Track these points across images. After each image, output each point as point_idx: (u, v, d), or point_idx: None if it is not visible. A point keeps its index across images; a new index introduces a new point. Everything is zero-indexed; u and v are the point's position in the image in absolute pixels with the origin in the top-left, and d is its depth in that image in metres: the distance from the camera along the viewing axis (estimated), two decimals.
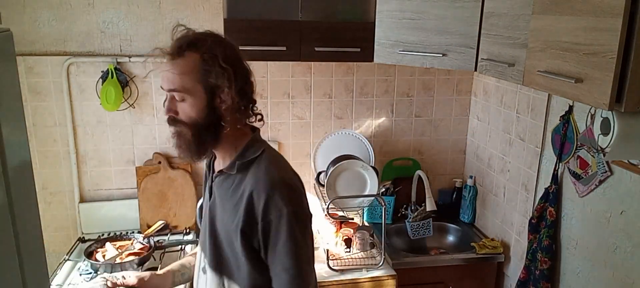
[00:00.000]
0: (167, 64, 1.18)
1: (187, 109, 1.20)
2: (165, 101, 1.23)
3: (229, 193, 1.27)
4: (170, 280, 1.51)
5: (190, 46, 1.17)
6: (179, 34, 1.21)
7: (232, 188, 1.26)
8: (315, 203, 2.38)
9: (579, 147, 1.71)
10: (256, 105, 1.29)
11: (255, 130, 1.33)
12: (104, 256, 1.99)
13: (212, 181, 1.33)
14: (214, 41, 1.19)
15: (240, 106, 1.22)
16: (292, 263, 1.19)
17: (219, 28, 2.15)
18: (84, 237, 2.19)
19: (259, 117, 1.31)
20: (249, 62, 1.27)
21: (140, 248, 2.06)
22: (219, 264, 1.30)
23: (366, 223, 2.40)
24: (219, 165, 1.32)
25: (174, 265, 1.55)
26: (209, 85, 1.18)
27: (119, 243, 2.09)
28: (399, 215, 2.50)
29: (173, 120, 1.22)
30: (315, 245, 1.34)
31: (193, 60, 1.17)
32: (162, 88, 1.22)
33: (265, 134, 2.38)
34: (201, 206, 1.47)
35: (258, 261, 1.24)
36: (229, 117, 1.22)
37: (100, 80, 2.15)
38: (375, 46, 2.00)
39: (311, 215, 1.29)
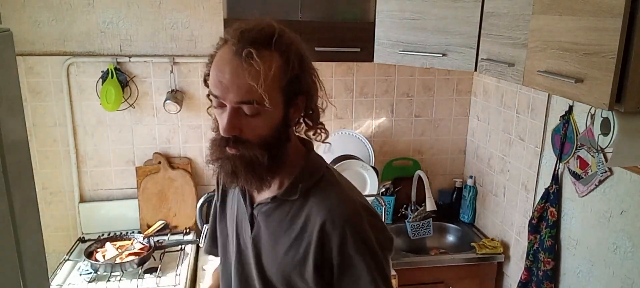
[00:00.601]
0: (236, 67, 0.88)
1: (259, 125, 0.92)
2: (221, 114, 0.93)
3: (284, 224, 1.01)
4: None
5: (266, 43, 0.90)
6: (241, 28, 0.92)
7: (290, 218, 1.00)
8: None
9: (579, 147, 1.70)
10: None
11: (307, 143, 1.07)
12: (104, 256, 1.99)
13: (252, 208, 1.06)
14: (292, 35, 0.95)
15: (316, 115, 1.00)
16: None
17: (219, 28, 2.16)
18: (84, 237, 2.20)
19: (323, 133, 1.04)
20: None
21: (140, 248, 2.06)
22: None
23: None
24: (267, 190, 1.03)
25: None
26: (290, 94, 0.93)
27: (119, 243, 2.10)
28: (399, 215, 2.50)
29: (237, 141, 0.92)
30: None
31: (273, 61, 0.89)
32: (216, 97, 0.92)
33: None
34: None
35: None
36: (292, 129, 1.00)
37: (100, 80, 2.15)
38: (375, 46, 2.00)
39: (392, 240, 1.03)
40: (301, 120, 1.01)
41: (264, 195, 1.04)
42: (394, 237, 1.04)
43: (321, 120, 1.04)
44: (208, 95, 0.97)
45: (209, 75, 0.96)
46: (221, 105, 0.93)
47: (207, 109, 1.03)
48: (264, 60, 0.88)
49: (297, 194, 1.00)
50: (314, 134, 1.04)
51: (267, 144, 0.94)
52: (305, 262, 0.97)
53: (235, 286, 1.11)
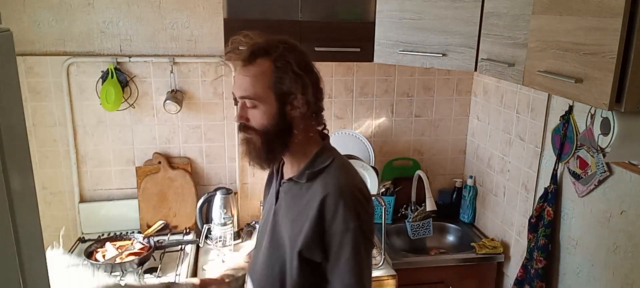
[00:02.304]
0: (239, 70, 1.19)
1: (258, 116, 1.18)
2: (236, 107, 1.23)
3: (295, 201, 1.25)
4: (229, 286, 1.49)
5: (262, 53, 1.16)
6: (249, 40, 1.19)
7: (299, 196, 1.24)
8: None
9: (579, 147, 1.71)
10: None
11: (326, 137, 1.30)
12: (104, 256, 1.99)
13: (279, 186, 1.32)
14: (286, 47, 1.18)
15: (311, 113, 1.21)
16: (353, 281, 1.15)
17: (218, 28, 2.16)
18: (84, 237, 2.19)
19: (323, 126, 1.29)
20: None
21: (140, 248, 2.06)
22: (277, 269, 1.26)
23: None
24: (288, 171, 1.30)
25: (228, 271, 1.51)
26: (280, 92, 1.17)
27: (119, 243, 2.10)
28: (399, 215, 2.50)
29: (244, 127, 1.21)
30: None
31: (265, 66, 1.16)
32: (233, 94, 1.23)
33: None
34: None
35: (312, 273, 1.21)
36: (300, 124, 1.21)
37: (100, 80, 2.15)
38: (375, 46, 2.00)
39: (373, 231, 1.25)
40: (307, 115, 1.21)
41: (287, 176, 1.29)
42: (374, 227, 1.25)
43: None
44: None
45: None
46: (236, 101, 1.22)
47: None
48: (256, 65, 1.16)
49: (304, 179, 1.23)
50: (319, 126, 1.27)
51: (268, 131, 1.19)
52: (303, 235, 1.18)
53: (256, 248, 1.40)
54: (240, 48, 1.20)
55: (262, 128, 1.19)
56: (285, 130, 1.20)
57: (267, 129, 1.18)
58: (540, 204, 1.86)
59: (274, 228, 1.29)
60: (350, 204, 1.15)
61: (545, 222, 1.82)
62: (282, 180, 1.31)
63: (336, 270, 1.16)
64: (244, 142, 1.23)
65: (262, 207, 1.49)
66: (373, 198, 2.16)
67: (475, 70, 1.76)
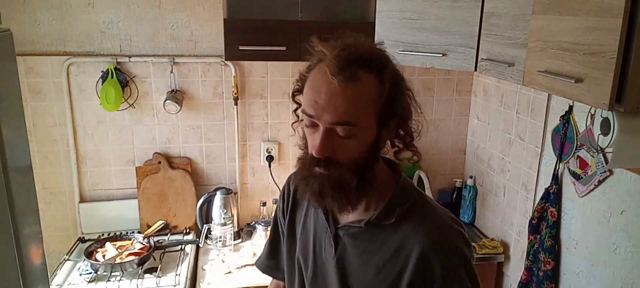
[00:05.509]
0: (330, 88, 0.87)
1: (351, 147, 0.91)
2: (316, 133, 0.91)
3: (375, 246, 0.99)
4: None
5: (362, 64, 0.89)
6: (337, 47, 0.90)
7: (382, 240, 0.98)
8: None
9: (579, 147, 1.71)
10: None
11: (395, 165, 1.06)
12: (104, 256, 1.99)
13: (336, 229, 1.04)
14: (383, 56, 0.96)
15: (409, 138, 1.01)
16: None
17: (219, 28, 2.15)
18: (84, 237, 2.20)
19: (416, 156, 1.04)
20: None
21: (140, 248, 2.07)
22: None
23: None
24: (353, 213, 1.01)
25: None
26: (384, 116, 0.92)
27: (119, 243, 2.10)
28: None
29: (327, 162, 0.91)
30: None
31: (369, 83, 0.89)
32: (311, 117, 0.90)
33: (265, 134, 2.38)
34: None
35: None
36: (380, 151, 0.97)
37: (100, 80, 2.15)
38: None
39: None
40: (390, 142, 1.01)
41: (350, 217, 1.02)
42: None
43: None
44: (295, 111, 1.00)
45: (298, 91, 0.98)
46: (314, 125, 0.92)
47: (293, 123, 1.06)
48: (361, 82, 0.88)
49: (393, 219, 0.97)
50: (410, 156, 1.05)
51: (358, 165, 0.93)
52: (399, 285, 0.95)
53: None
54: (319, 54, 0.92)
55: (351, 162, 0.92)
56: (373, 162, 0.96)
57: (357, 162, 0.93)
58: (542, 205, 1.86)
59: (344, 281, 1.02)
60: (464, 265, 0.94)
61: (550, 223, 1.82)
62: (338, 223, 1.04)
63: None
64: (327, 180, 0.93)
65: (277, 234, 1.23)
66: None
67: (475, 70, 1.76)
